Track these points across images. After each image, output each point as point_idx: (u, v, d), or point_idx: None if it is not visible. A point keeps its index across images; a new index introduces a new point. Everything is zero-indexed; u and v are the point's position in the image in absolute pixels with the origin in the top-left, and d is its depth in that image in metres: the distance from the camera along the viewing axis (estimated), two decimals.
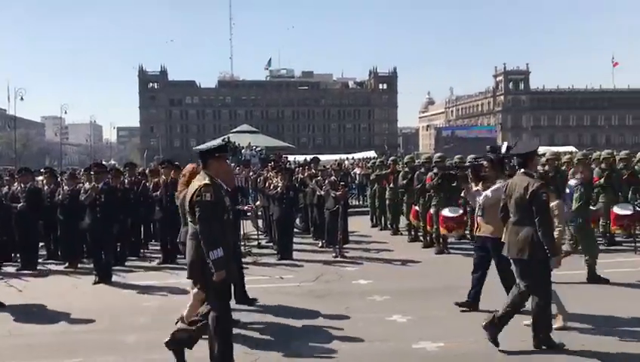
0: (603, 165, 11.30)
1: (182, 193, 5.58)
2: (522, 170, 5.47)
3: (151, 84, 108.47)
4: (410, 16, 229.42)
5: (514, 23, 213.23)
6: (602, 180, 10.99)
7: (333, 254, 10.67)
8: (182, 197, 5.45)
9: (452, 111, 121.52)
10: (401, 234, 13.39)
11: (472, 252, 10.28)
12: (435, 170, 10.99)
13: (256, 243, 12.08)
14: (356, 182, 23.08)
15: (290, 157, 29.25)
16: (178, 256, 10.72)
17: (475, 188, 6.72)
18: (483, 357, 5.19)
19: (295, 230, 12.29)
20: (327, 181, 11.41)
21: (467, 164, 9.37)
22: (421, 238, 11.97)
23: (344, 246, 10.91)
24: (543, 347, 5.23)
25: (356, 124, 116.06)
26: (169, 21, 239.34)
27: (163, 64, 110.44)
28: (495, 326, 5.29)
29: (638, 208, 10.59)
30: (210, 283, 4.60)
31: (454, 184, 10.00)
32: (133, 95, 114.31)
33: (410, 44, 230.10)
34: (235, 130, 31.49)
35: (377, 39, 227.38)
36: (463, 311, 6.68)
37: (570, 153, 21.32)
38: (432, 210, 10.90)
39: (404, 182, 12.41)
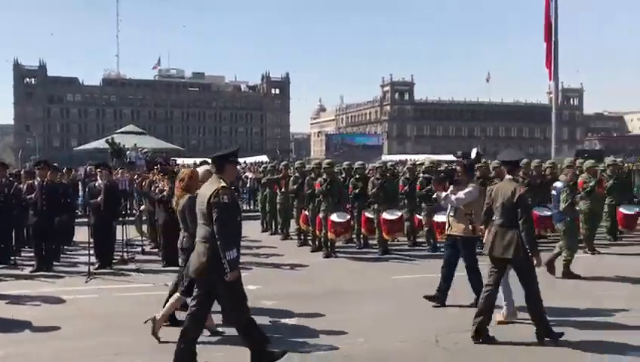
0: (478, 173, 12.10)
1: (181, 198, 5.75)
2: (509, 176, 5.98)
3: (27, 79, 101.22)
4: (303, 23, 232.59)
5: (401, 33, 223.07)
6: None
7: None
8: (182, 203, 5.67)
9: (342, 119, 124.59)
10: (291, 238, 13.50)
11: (358, 256, 10.65)
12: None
13: (140, 249, 11.63)
14: (247, 186, 22.96)
15: (179, 160, 28.49)
16: (55, 263, 10.11)
17: (444, 193, 7.11)
18: (371, 354, 5.36)
19: None
20: None
21: (442, 169, 9.72)
22: (310, 243, 12.16)
23: None
24: (546, 338, 5.61)
25: (248, 128, 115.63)
26: (48, 12, 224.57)
27: (42, 58, 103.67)
28: (482, 335, 5.71)
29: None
30: (223, 284, 4.75)
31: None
32: (6, 90, 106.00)
33: (303, 51, 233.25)
34: (120, 130, 30.14)
35: (270, 44, 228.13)
36: (434, 306, 7.11)
37: (450, 162, 22.64)
38: (320, 215, 11.10)
39: (295, 187, 12.53)
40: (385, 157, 42.44)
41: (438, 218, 11.36)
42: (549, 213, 11.37)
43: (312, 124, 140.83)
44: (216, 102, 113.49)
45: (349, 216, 11.19)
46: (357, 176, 11.86)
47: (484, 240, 6.16)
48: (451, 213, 7.09)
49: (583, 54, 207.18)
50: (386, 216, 11.06)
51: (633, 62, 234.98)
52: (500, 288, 6.15)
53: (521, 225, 5.62)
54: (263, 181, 15.11)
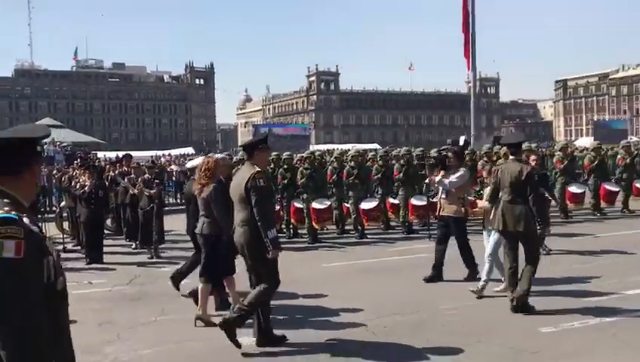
0: (402, 161, 12.44)
1: (206, 186, 5.99)
2: (512, 157, 6.45)
3: None
4: (226, 11, 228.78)
5: (326, 23, 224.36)
6: (401, 175, 12.09)
7: (149, 255, 10.30)
8: (208, 191, 5.94)
9: (269, 109, 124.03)
10: None
11: (288, 245, 10.71)
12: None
13: (61, 247, 11.18)
14: (173, 179, 22.48)
15: (100, 154, 27.47)
16: None
17: (438, 177, 7.67)
18: (308, 345, 5.43)
19: (106, 231, 11.63)
20: (140, 179, 10.96)
21: (433, 155, 10.12)
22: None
23: (160, 246, 10.58)
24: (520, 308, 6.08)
25: (172, 120, 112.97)
26: None
27: None
28: (523, 303, 6.10)
29: (431, 199, 11.94)
30: (264, 261, 5.08)
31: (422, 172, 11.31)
32: None
33: (227, 40, 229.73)
34: (36, 123, 28.72)
35: (194, 34, 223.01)
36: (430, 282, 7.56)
37: (375, 150, 23.09)
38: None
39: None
40: (313, 147, 42.66)
41: (365, 205, 11.66)
42: (424, 203, 11.83)
43: (238, 114, 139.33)
44: (138, 94, 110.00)
45: (277, 207, 11.24)
46: (285, 166, 11.89)
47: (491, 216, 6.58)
48: (443, 196, 7.67)
49: (499, 44, 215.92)
50: (315, 205, 11.17)
51: (544, 51, 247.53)
52: (488, 262, 6.88)
53: (531, 199, 6.17)
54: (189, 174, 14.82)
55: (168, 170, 23.01)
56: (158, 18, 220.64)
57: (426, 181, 8.80)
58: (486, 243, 7.06)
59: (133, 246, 11.16)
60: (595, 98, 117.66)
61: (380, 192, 12.22)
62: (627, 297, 6.63)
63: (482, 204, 7.02)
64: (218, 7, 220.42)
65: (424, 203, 11.70)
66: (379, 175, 12.30)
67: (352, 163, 12.04)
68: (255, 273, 5.33)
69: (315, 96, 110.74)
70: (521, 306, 6.10)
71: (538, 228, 6.37)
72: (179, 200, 19.93)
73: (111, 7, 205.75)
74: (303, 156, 12.76)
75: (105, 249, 10.36)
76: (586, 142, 41.42)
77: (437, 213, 8.00)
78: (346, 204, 11.96)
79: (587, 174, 14.40)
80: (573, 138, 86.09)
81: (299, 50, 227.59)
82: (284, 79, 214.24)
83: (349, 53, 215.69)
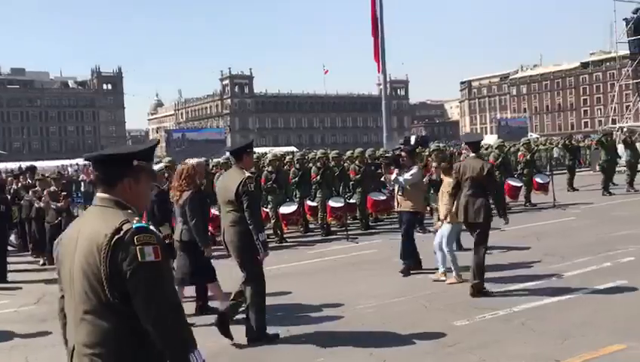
0: (319, 164, 12.56)
1: (183, 193, 6.09)
2: (473, 154, 7.03)
3: None
4: (134, 14, 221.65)
5: (239, 25, 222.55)
6: (319, 177, 12.21)
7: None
8: (185, 196, 6.04)
9: (182, 114, 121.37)
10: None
11: (219, 255, 10.53)
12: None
13: None
14: (82, 190, 21.47)
15: (0, 166, 25.82)
16: None
17: (393, 175, 8.15)
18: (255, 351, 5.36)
19: (10, 248, 10.95)
20: (46, 191, 10.40)
21: (389, 155, 10.46)
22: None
23: None
24: (478, 293, 6.61)
25: (79, 127, 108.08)
26: None
27: None
28: (478, 289, 6.65)
29: (348, 201, 12.19)
30: (252, 261, 5.37)
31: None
32: None
33: (135, 44, 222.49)
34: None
35: (99, 37, 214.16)
36: (413, 273, 7.96)
37: (292, 153, 23.14)
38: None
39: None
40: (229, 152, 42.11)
41: (284, 209, 11.62)
42: (384, 198, 12.33)
43: (149, 120, 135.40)
44: (40, 101, 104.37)
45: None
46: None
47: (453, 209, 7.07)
48: (399, 193, 8.15)
49: (407, 48, 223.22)
50: None
51: (450, 54, 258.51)
52: (448, 253, 7.40)
53: (492, 192, 6.85)
54: None
55: (77, 180, 21.98)
56: (61, 19, 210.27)
57: (382, 179, 9.31)
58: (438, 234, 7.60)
59: (41, 263, 10.58)
60: (497, 97, 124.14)
61: (298, 196, 12.28)
62: (531, 288, 7.04)
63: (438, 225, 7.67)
64: (126, 6, 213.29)
65: (341, 204, 11.91)
66: (296, 178, 12.35)
67: (270, 167, 12.02)
68: (243, 270, 5.55)
69: (229, 100, 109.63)
70: (481, 292, 6.66)
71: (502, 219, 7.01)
72: None
73: (6, 11, 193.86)
74: (219, 162, 12.59)
75: (9, 267, 9.74)
76: (490, 139, 43.59)
77: (396, 209, 8.57)
78: (264, 209, 11.92)
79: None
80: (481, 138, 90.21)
81: (211, 52, 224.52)
82: (197, 83, 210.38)
83: (262, 56, 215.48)
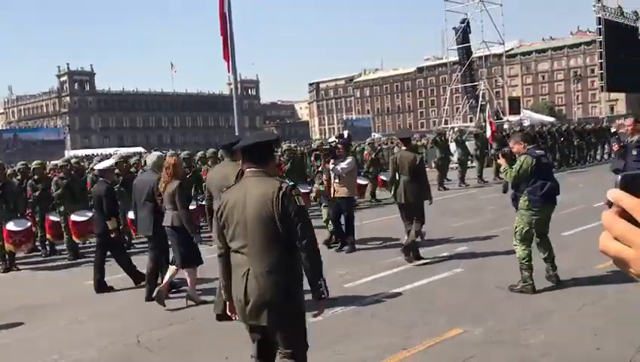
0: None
1: (170, 183, 6.62)
2: (404, 147, 8.46)
3: None
4: None
5: (79, 20, 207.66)
6: None
7: None
8: (172, 187, 6.58)
9: (13, 112, 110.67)
10: None
11: (45, 264, 9.77)
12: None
13: None
14: None
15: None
16: None
17: (331, 165, 9.28)
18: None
19: None
20: None
21: (327, 147, 11.14)
22: None
23: None
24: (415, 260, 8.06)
25: None
26: None
27: None
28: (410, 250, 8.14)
29: (200, 202, 11.92)
30: None
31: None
32: None
33: None
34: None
35: None
36: (340, 250, 9.36)
37: (139, 154, 22.19)
38: None
39: None
40: (69, 153, 39.23)
41: (132, 215, 11.08)
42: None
43: None
44: None
45: (29, 224, 10.09)
46: (36, 176, 10.72)
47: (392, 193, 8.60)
48: (336, 181, 9.26)
49: (257, 48, 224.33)
50: (74, 217, 10.28)
51: (299, 56, 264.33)
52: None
53: (422, 180, 8.25)
54: None
55: None
56: None
57: (320, 168, 10.33)
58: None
59: None
60: (343, 99, 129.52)
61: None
62: (380, 280, 7.44)
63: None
64: None
65: (194, 206, 11.59)
66: None
67: (117, 170, 11.34)
68: None
69: (68, 98, 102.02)
70: (414, 255, 8.10)
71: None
72: None
73: None
74: (57, 164, 11.65)
75: None
76: None
77: (332, 195, 9.45)
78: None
79: (368, 165, 15.81)
80: (327, 136, 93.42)
81: (46, 46, 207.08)
82: (30, 79, 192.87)
83: (104, 52, 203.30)
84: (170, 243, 6.88)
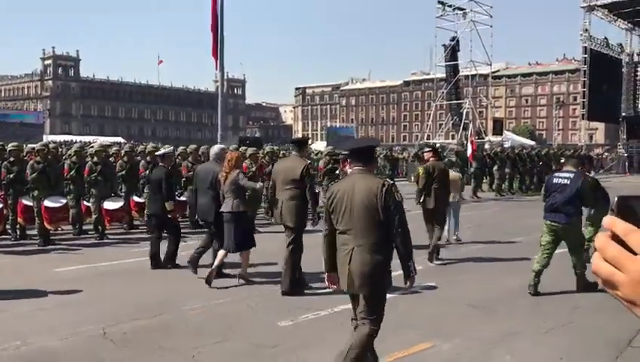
0: (148, 158, 12.04)
1: (230, 174, 7.29)
2: (434, 158, 9.26)
3: None
4: None
5: (67, 5, 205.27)
6: (148, 172, 11.69)
7: None
8: (232, 177, 7.25)
9: None
10: None
11: (14, 248, 9.60)
12: None
13: None
14: None
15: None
16: None
17: (347, 169, 10.61)
18: (36, 356, 4.87)
19: None
20: None
21: (345, 153, 12.09)
22: None
23: None
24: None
25: None
26: None
27: None
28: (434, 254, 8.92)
29: (179, 198, 11.83)
30: (301, 228, 7.02)
31: None
32: None
33: None
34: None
35: None
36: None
37: (119, 144, 21.96)
38: None
39: None
40: (47, 138, 38.69)
41: (109, 205, 11.00)
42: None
43: None
44: None
45: (0, 205, 9.92)
46: (11, 158, 10.54)
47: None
48: None
49: (246, 48, 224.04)
50: (47, 203, 10.13)
51: (287, 60, 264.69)
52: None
53: (448, 189, 9.25)
54: None
55: None
56: None
57: (337, 172, 10.97)
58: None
59: None
60: (328, 106, 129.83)
61: (124, 191, 11.64)
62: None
63: None
64: None
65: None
66: (123, 172, 11.71)
67: (96, 158, 11.25)
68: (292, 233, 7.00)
69: (51, 82, 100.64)
70: (435, 256, 8.90)
71: None
72: None
73: None
74: (34, 148, 11.48)
75: None
76: (320, 146, 45.42)
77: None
78: (86, 203, 11.12)
79: (322, 176, 15.81)
80: (310, 142, 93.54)
81: (31, 27, 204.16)
82: (13, 59, 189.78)
83: (91, 38, 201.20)
84: (225, 228, 7.36)
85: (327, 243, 4.20)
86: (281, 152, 16.97)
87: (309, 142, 16.22)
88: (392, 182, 4.07)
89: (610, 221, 0.64)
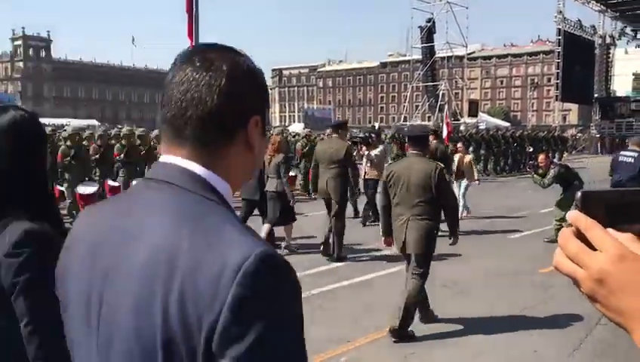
0: (124, 141, 11.88)
1: (274, 157, 8.08)
2: (335, 135, 8.76)
3: None
4: None
5: None
6: (122, 156, 11.56)
7: None
8: (276, 159, 8.06)
9: None
10: None
11: None
12: None
13: None
14: None
15: None
16: None
17: (365, 151, 10.95)
18: None
19: None
20: None
21: (362, 136, 12.72)
22: None
23: None
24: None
25: None
26: None
27: None
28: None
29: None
30: (344, 202, 8.11)
31: None
32: None
33: None
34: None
35: None
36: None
37: (93, 127, 21.59)
38: None
39: None
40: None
41: (83, 189, 10.80)
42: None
43: None
44: None
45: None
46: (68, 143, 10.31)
47: None
48: (368, 164, 10.85)
49: (222, 28, 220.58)
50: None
51: (262, 40, 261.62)
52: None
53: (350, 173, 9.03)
54: None
55: None
56: None
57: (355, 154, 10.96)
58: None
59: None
60: (305, 88, 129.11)
61: (98, 175, 11.47)
62: (326, 272, 7.50)
63: None
64: None
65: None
66: (97, 156, 11.54)
67: (69, 142, 11.05)
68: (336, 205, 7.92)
69: (21, 63, 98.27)
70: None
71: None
72: None
73: None
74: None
75: None
76: (297, 128, 45.23)
77: (363, 177, 10.93)
78: (59, 188, 10.94)
79: (299, 158, 15.79)
80: (287, 123, 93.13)
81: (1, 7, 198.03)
82: None
83: (61, 18, 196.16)
84: (269, 205, 8.08)
85: (384, 212, 5.22)
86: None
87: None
88: (442, 165, 5.19)
89: (574, 216, 0.64)
